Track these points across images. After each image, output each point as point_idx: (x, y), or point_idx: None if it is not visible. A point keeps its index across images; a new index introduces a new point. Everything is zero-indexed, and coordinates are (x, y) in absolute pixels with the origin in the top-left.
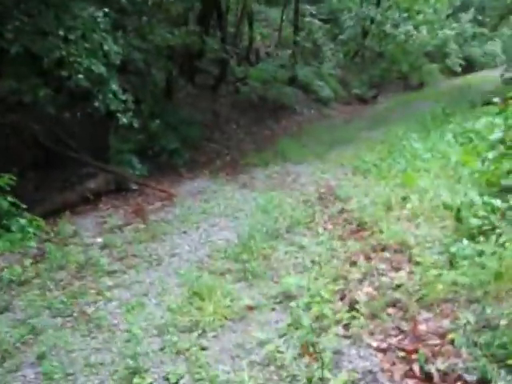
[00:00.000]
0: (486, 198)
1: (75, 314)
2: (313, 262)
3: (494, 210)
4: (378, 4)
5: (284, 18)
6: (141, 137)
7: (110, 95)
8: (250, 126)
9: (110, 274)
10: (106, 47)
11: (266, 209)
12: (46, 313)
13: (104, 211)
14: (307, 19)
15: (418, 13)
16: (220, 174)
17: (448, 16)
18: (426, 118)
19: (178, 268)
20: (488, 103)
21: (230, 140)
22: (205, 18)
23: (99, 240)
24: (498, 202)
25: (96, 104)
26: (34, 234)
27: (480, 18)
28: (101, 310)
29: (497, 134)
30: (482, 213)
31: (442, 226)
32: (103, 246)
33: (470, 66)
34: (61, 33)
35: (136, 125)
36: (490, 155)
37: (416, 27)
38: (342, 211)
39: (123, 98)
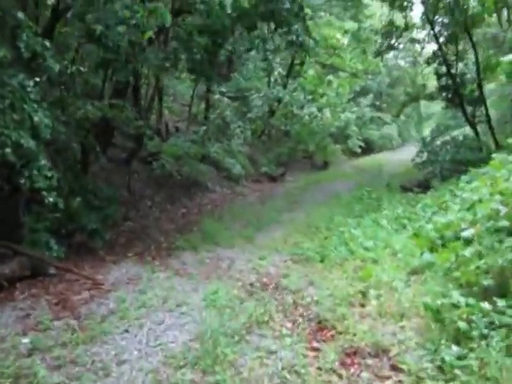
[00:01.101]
0: (470, 300)
1: None
2: (289, 371)
3: (481, 312)
4: (285, 86)
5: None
6: (57, 215)
7: (35, 171)
8: (164, 204)
9: None
10: (36, 119)
11: (214, 303)
12: None
13: (22, 301)
14: (216, 96)
15: (322, 96)
16: (146, 258)
17: (349, 100)
18: (350, 201)
19: (131, 381)
20: (407, 189)
21: (146, 218)
22: (121, 91)
23: (26, 341)
24: (485, 305)
25: (22, 181)
26: None
27: (377, 103)
28: None
29: (468, 231)
30: (466, 315)
31: (417, 327)
32: (32, 349)
33: (368, 147)
34: None
35: (61, 205)
36: (467, 253)
37: (320, 109)
38: (295, 305)
39: (49, 174)
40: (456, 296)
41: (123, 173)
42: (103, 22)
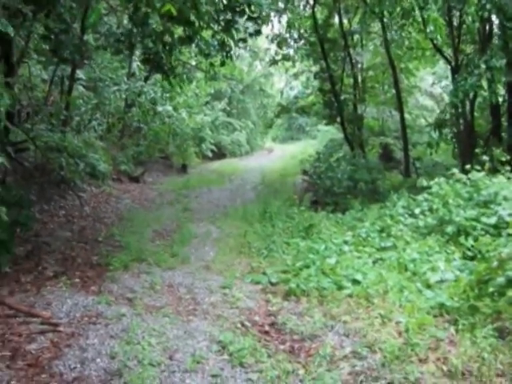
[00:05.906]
0: None
1: None
2: None
3: None
4: (146, 80)
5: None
6: None
7: None
8: (41, 203)
9: None
10: None
11: (242, 360)
12: None
13: None
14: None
15: (180, 95)
16: (74, 280)
17: (206, 103)
18: (265, 216)
19: None
20: (316, 206)
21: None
22: None
23: None
24: None
25: None
26: None
27: (229, 108)
28: None
29: None
30: None
31: None
32: None
33: (220, 152)
34: None
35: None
36: None
37: (175, 109)
38: (334, 358)
39: None
40: None
41: None
42: None
